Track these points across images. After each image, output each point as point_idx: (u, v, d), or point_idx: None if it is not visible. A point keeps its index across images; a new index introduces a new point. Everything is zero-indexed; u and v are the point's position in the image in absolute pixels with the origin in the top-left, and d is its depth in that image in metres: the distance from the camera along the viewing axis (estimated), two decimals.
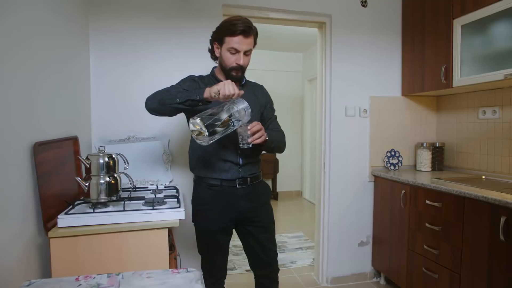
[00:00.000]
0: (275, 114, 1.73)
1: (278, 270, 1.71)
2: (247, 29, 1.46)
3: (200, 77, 1.61)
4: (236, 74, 1.51)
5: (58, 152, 1.50)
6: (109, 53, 2.10)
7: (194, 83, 1.55)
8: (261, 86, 1.74)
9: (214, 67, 1.64)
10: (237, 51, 1.47)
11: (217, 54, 1.56)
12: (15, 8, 1.18)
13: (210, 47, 1.61)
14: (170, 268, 1.38)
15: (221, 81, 1.50)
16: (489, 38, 1.91)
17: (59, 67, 1.58)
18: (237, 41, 1.46)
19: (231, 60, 1.49)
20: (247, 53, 1.50)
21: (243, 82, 1.62)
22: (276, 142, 1.59)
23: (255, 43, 1.54)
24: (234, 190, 1.55)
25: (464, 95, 2.45)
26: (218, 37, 1.52)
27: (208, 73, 1.66)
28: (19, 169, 1.19)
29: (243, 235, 1.66)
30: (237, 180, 1.55)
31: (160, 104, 1.40)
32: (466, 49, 2.05)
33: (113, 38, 2.10)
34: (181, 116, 1.58)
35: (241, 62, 1.48)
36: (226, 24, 1.48)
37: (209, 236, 1.59)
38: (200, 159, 1.58)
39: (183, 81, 1.57)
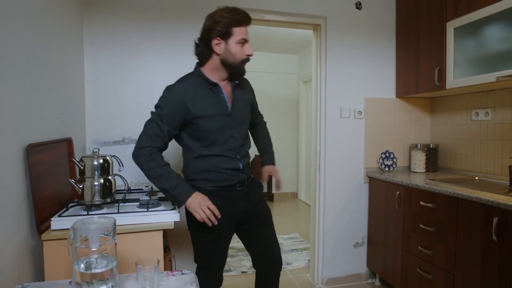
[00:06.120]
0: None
1: (281, 265, 1.64)
2: (249, 17, 1.40)
3: (182, 84, 1.43)
4: (244, 66, 1.43)
5: (52, 154, 1.49)
6: (103, 54, 2.09)
7: (181, 104, 1.38)
8: (245, 79, 1.60)
9: (198, 64, 1.48)
10: (246, 41, 1.40)
11: (219, 51, 1.39)
12: (9, 10, 1.17)
13: (201, 49, 1.43)
14: (165, 270, 1.37)
15: (213, 83, 1.43)
16: (481, 40, 1.93)
17: (53, 69, 1.57)
18: (245, 31, 1.39)
19: (242, 52, 1.39)
20: None
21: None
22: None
23: None
24: (234, 193, 1.49)
25: (458, 97, 2.47)
26: (222, 31, 1.36)
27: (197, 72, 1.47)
28: (11, 171, 1.18)
29: (245, 234, 1.60)
30: (237, 184, 1.50)
31: (145, 174, 1.39)
32: (459, 51, 2.07)
33: (107, 39, 2.09)
34: None
35: (252, 52, 1.41)
36: (229, 14, 1.35)
37: (209, 244, 1.50)
38: (197, 173, 1.48)
39: (165, 106, 1.39)
